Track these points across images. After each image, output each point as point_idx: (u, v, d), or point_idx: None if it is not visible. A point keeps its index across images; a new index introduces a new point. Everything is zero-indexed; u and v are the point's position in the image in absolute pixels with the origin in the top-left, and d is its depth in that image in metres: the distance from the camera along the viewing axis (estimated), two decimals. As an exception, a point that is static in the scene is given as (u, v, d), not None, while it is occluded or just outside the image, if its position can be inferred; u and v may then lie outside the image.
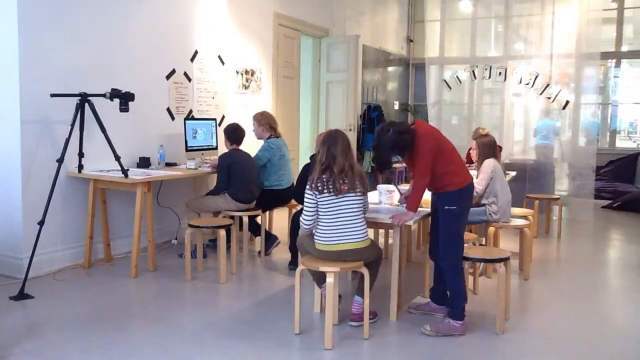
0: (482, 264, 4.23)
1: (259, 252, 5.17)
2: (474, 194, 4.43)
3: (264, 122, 5.34)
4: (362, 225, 3.32)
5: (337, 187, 3.21)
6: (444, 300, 3.62)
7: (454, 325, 3.42)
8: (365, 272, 3.31)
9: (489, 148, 4.76)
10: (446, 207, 3.44)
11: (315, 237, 3.33)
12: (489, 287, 4.30)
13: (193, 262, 4.54)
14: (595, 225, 7.30)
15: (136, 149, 5.19)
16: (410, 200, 3.46)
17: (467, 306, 3.70)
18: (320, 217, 3.29)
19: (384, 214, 3.69)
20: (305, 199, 3.30)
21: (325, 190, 3.23)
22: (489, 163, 4.66)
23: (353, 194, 3.26)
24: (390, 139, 3.36)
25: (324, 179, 3.23)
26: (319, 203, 3.27)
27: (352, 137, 8.38)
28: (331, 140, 3.30)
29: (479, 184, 4.58)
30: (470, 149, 6.94)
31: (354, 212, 3.27)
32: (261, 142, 5.39)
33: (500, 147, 6.97)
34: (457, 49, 10.03)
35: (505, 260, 3.54)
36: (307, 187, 3.29)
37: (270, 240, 5.29)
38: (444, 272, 3.51)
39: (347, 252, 3.26)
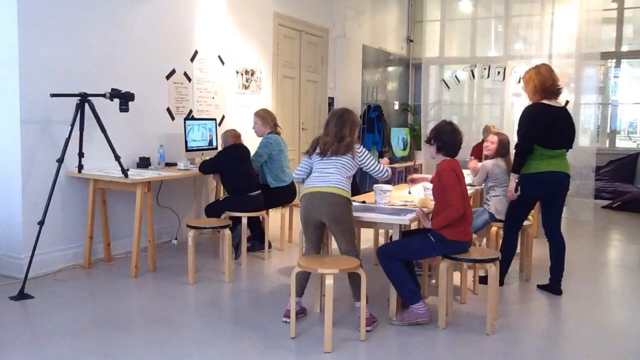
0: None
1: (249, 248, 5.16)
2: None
3: (270, 119, 5.36)
4: (338, 177, 3.53)
5: (324, 152, 3.59)
6: None
7: (416, 312, 3.52)
8: (362, 273, 3.29)
9: (506, 145, 4.83)
10: (429, 234, 3.54)
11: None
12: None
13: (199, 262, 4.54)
14: (595, 225, 7.30)
15: (136, 149, 5.18)
16: (437, 219, 3.53)
17: (466, 307, 3.71)
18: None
19: (379, 213, 3.70)
20: (302, 161, 3.75)
21: (314, 153, 3.65)
22: (486, 165, 4.76)
23: (337, 157, 3.57)
24: (440, 129, 3.65)
25: (315, 146, 3.65)
26: (312, 160, 3.67)
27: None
28: (329, 117, 3.74)
29: (474, 180, 4.88)
30: (477, 144, 6.95)
31: (337, 168, 3.55)
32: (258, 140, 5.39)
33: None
34: (457, 49, 10.03)
35: (495, 260, 3.52)
36: (305, 152, 3.77)
37: (259, 244, 5.31)
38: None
39: (317, 195, 3.47)
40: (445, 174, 3.50)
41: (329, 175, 3.53)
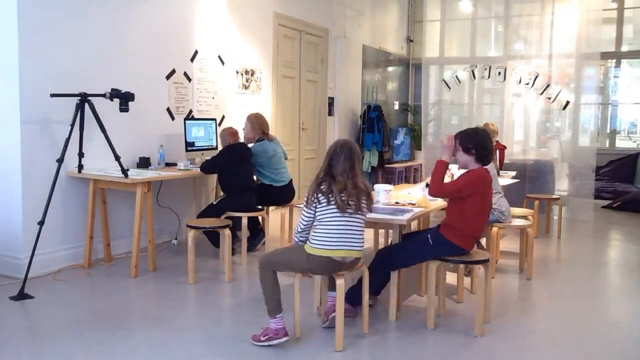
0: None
1: (234, 249, 5.05)
2: None
3: (258, 126, 5.39)
4: (363, 237, 3.26)
5: (339, 205, 3.05)
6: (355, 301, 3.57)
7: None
8: (366, 271, 3.32)
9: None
10: (428, 235, 3.54)
11: (314, 242, 3.13)
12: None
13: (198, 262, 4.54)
14: (595, 225, 7.30)
15: (136, 149, 5.18)
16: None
17: (463, 305, 3.70)
18: (320, 223, 3.13)
19: (379, 212, 3.69)
20: (303, 214, 3.18)
21: (325, 202, 3.08)
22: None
23: (359, 215, 3.15)
24: (481, 137, 3.51)
25: (324, 191, 3.09)
26: (318, 211, 3.12)
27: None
28: (335, 154, 3.15)
29: None
30: None
31: (357, 226, 3.18)
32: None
33: (505, 147, 6.97)
34: (457, 49, 10.03)
35: (484, 262, 3.48)
36: (305, 202, 3.16)
37: (259, 237, 5.38)
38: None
39: (346, 261, 3.18)
40: (470, 180, 3.43)
41: (356, 236, 3.16)
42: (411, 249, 3.61)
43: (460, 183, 3.48)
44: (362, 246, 3.25)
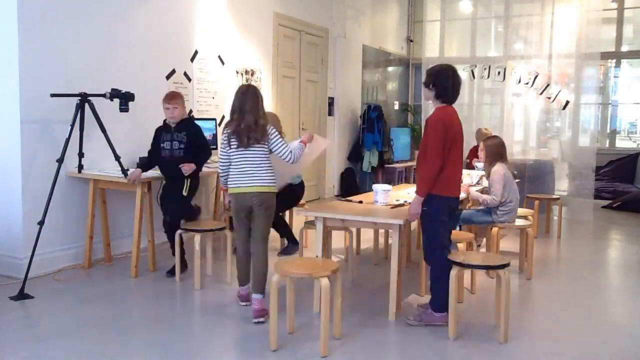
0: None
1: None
2: (493, 203, 4.57)
3: (270, 123, 5.27)
4: (268, 172, 3.64)
5: (244, 142, 3.58)
6: None
7: (434, 315, 3.50)
8: (326, 282, 3.08)
9: (498, 148, 4.71)
10: (424, 207, 3.48)
11: (229, 183, 3.70)
12: (485, 286, 4.28)
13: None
14: (595, 225, 7.30)
15: (136, 149, 5.18)
16: (417, 184, 3.49)
17: (463, 305, 3.70)
18: (232, 165, 3.66)
19: (381, 216, 3.69)
20: (220, 152, 3.74)
21: (235, 144, 3.61)
22: (499, 171, 4.57)
23: (259, 146, 3.61)
24: (440, 73, 3.55)
25: (234, 133, 3.60)
26: (230, 154, 3.65)
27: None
28: (242, 97, 3.64)
29: (496, 196, 4.54)
30: (474, 147, 6.94)
31: (259, 160, 3.62)
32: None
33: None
34: (457, 49, 10.03)
35: (505, 266, 3.42)
36: (221, 141, 3.71)
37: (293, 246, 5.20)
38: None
39: (253, 195, 3.58)
40: (430, 127, 3.40)
41: (251, 175, 3.60)
42: (425, 227, 3.58)
43: (430, 140, 3.37)
44: (270, 182, 3.63)
